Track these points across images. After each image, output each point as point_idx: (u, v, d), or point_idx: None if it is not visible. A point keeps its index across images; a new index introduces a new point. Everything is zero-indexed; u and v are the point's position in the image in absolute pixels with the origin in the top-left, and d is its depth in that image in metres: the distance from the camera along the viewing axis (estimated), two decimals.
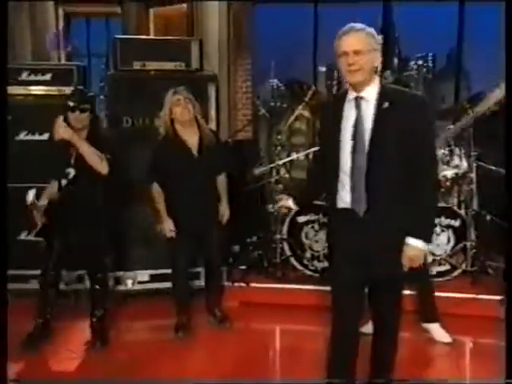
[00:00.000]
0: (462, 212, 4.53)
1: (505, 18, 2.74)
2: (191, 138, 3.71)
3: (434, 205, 2.54)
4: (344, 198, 2.43)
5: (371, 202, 2.37)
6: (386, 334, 2.65)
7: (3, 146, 3.06)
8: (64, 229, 3.53)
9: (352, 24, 2.39)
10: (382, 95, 2.38)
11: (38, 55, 7.29)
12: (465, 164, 4.59)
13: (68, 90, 4.45)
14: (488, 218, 4.58)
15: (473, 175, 4.57)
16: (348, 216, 2.42)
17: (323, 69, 7.54)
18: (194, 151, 3.71)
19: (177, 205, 3.70)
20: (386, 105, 2.35)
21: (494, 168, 4.63)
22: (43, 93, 4.45)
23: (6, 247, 2.82)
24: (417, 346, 3.70)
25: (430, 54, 7.00)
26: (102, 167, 3.44)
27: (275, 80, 6.73)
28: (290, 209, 2.96)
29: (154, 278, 4.43)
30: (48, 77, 4.48)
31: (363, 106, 2.39)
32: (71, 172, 3.48)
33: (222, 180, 3.86)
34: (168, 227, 3.70)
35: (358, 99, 2.40)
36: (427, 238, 2.44)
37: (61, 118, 3.43)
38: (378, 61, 2.42)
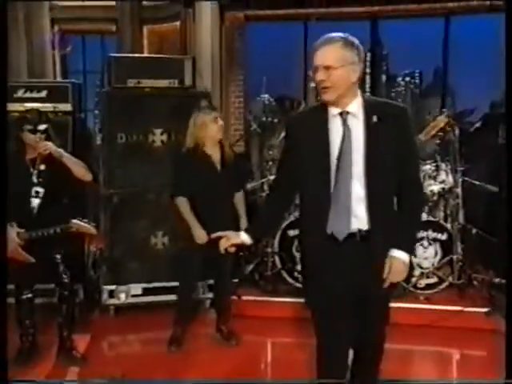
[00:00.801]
0: (449, 226, 4.55)
1: (505, 25, 2.65)
2: (215, 154, 3.73)
3: (419, 216, 2.45)
4: (333, 222, 2.18)
5: (361, 225, 2.18)
6: (371, 359, 2.45)
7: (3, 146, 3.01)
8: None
9: (330, 35, 2.15)
10: (368, 109, 2.17)
11: (34, 72, 7.29)
12: (451, 179, 4.62)
13: (64, 106, 4.51)
14: (474, 231, 4.61)
15: (459, 190, 4.58)
16: (336, 241, 2.19)
17: (313, 84, 7.53)
18: (218, 166, 3.72)
19: (201, 218, 3.68)
20: (375, 119, 2.15)
21: (478, 183, 4.66)
22: (39, 110, 4.44)
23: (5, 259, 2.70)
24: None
25: (417, 71, 7.05)
26: (87, 175, 3.46)
27: (266, 95, 6.73)
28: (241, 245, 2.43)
29: (146, 292, 4.40)
30: (44, 94, 4.48)
31: (350, 121, 2.16)
32: (40, 190, 3.42)
33: (240, 196, 3.85)
34: (200, 234, 3.62)
35: (343, 114, 2.16)
36: (411, 250, 2.31)
37: (31, 135, 3.40)
38: (356, 75, 2.15)
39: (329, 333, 2.26)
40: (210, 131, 3.68)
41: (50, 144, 3.39)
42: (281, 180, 2.42)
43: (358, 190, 2.16)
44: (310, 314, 2.35)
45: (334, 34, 2.14)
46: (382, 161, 2.15)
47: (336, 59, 2.09)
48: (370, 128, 2.15)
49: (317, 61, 2.12)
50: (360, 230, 2.19)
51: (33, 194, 3.41)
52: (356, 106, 2.18)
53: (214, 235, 2.35)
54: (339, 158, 2.15)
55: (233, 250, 2.33)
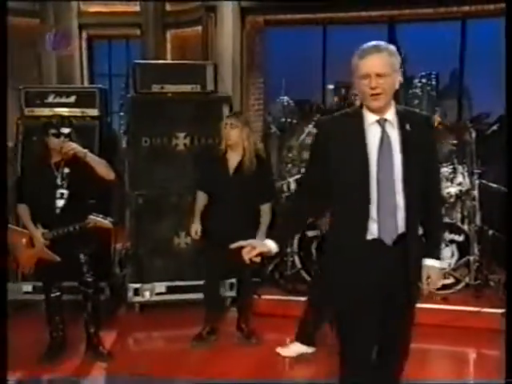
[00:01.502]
0: (466, 227, 4.50)
1: (505, 29, 2.62)
2: (233, 158, 3.73)
3: (443, 222, 2.48)
4: (371, 228, 2.14)
5: (400, 229, 2.16)
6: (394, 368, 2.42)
7: (3, 147, 3.04)
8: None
9: (374, 43, 2.11)
10: (400, 117, 2.16)
11: (63, 76, 7.37)
12: (468, 181, 4.59)
13: (91, 111, 4.56)
14: (490, 232, 4.55)
15: (475, 192, 4.55)
16: (375, 247, 2.15)
17: (331, 86, 7.54)
18: (231, 171, 3.73)
19: (213, 217, 3.76)
20: (408, 127, 2.14)
21: (495, 185, 4.60)
22: (67, 114, 4.48)
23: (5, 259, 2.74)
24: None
25: (434, 73, 6.97)
26: (110, 173, 3.49)
27: (285, 97, 6.73)
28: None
29: (170, 290, 4.42)
30: (72, 99, 4.54)
31: (388, 128, 2.14)
32: (64, 192, 3.47)
33: (264, 209, 3.78)
34: (194, 229, 3.76)
35: (381, 121, 2.14)
36: (440, 256, 2.32)
37: (55, 139, 3.45)
38: (398, 82, 2.15)
39: (356, 333, 2.22)
40: (225, 136, 3.71)
41: (74, 145, 3.44)
42: (309, 184, 2.33)
43: (398, 195, 2.14)
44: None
45: (377, 43, 2.12)
46: (415, 167, 2.15)
47: (387, 67, 2.07)
48: (404, 135, 2.15)
49: (367, 68, 2.07)
50: (400, 234, 2.17)
51: (57, 195, 3.46)
52: (392, 114, 2.17)
53: (234, 245, 2.20)
54: (379, 163, 2.11)
55: (258, 259, 2.22)
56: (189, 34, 8.03)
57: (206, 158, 3.95)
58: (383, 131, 2.13)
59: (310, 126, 5.18)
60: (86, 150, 3.46)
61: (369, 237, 2.15)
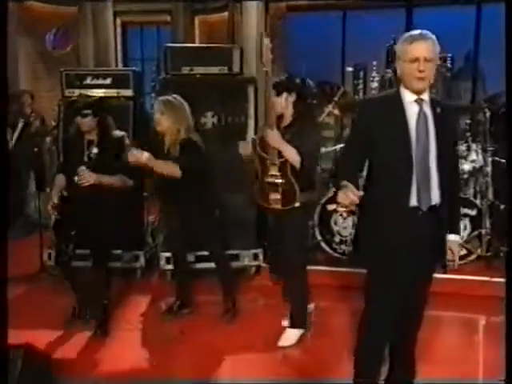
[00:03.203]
0: (478, 202, 4.44)
1: (505, 18, 2.60)
2: (167, 143, 3.52)
3: (460, 201, 2.55)
4: (412, 197, 2.22)
5: (434, 200, 2.24)
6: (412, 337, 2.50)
7: (3, 146, 2.93)
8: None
9: (420, 31, 2.22)
10: (432, 101, 2.27)
11: (99, 62, 7.39)
12: (481, 158, 4.53)
13: (126, 92, 4.54)
14: (502, 207, 4.45)
15: (488, 169, 4.48)
16: (412, 214, 2.23)
17: (350, 69, 7.37)
18: (165, 153, 3.49)
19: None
20: (439, 110, 2.25)
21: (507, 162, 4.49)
22: (104, 95, 4.49)
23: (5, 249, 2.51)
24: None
25: (449, 55, 6.74)
26: (127, 182, 3.42)
27: (306, 79, 6.60)
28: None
29: (199, 259, 4.36)
30: (108, 81, 4.52)
31: (425, 107, 2.24)
32: (94, 150, 3.40)
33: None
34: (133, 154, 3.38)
35: (418, 101, 2.23)
36: (460, 232, 2.46)
37: (82, 119, 3.39)
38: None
39: (387, 295, 2.27)
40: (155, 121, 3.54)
41: (88, 176, 3.29)
42: (348, 161, 2.42)
43: (433, 168, 2.23)
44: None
45: (423, 31, 2.21)
46: (445, 145, 2.25)
47: (433, 53, 2.18)
48: (436, 116, 2.25)
49: (416, 52, 2.15)
50: (435, 204, 2.26)
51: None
52: (427, 96, 2.27)
53: None
54: (418, 137, 2.21)
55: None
56: (216, 20, 7.96)
57: (148, 140, 3.72)
58: (420, 109, 2.23)
59: (330, 106, 5.11)
60: (99, 176, 3.31)
61: (410, 205, 2.22)
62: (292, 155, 3.15)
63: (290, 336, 3.42)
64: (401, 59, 2.20)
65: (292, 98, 3.26)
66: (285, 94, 3.24)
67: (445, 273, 2.71)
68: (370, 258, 2.34)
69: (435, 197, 2.24)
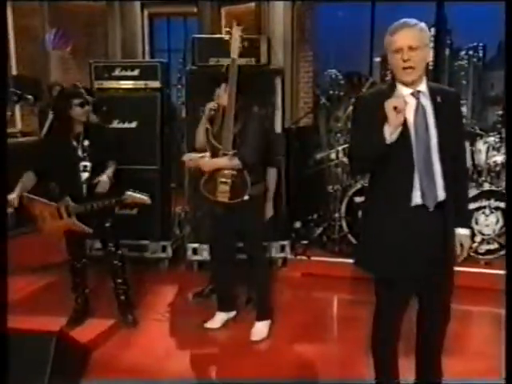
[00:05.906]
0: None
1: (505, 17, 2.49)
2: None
3: (468, 192, 2.44)
4: (415, 195, 2.12)
5: (440, 197, 2.13)
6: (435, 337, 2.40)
7: (3, 145, 2.70)
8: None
9: (405, 19, 2.08)
10: (431, 90, 2.14)
11: (126, 52, 7.45)
12: None
13: (153, 83, 4.56)
14: None
15: None
16: (417, 212, 2.12)
17: (378, 59, 7.28)
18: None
19: None
20: (439, 99, 2.12)
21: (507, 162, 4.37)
22: (132, 86, 4.54)
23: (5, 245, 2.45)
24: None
25: (481, 44, 6.60)
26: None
27: (334, 70, 6.53)
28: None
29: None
30: (136, 72, 4.54)
31: (422, 99, 2.11)
32: (87, 164, 3.22)
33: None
34: None
35: (415, 93, 2.10)
36: (470, 225, 2.38)
37: (80, 109, 3.22)
38: (429, 56, 2.13)
39: (394, 294, 2.26)
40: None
41: (107, 183, 3.21)
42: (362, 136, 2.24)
43: (436, 162, 2.12)
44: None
45: (407, 19, 2.08)
46: (448, 136, 2.13)
47: (419, 40, 2.05)
48: (436, 107, 2.12)
49: (399, 42, 2.04)
50: (439, 201, 2.15)
51: (81, 168, 3.22)
52: (425, 87, 2.14)
53: None
54: (416, 132, 2.09)
55: None
56: (242, 11, 7.91)
57: None
58: (418, 102, 2.11)
59: None
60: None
61: (413, 203, 2.12)
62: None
63: (261, 329, 3.36)
64: (388, 51, 2.09)
65: None
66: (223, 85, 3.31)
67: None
68: (374, 258, 2.27)
69: (441, 193, 2.13)
